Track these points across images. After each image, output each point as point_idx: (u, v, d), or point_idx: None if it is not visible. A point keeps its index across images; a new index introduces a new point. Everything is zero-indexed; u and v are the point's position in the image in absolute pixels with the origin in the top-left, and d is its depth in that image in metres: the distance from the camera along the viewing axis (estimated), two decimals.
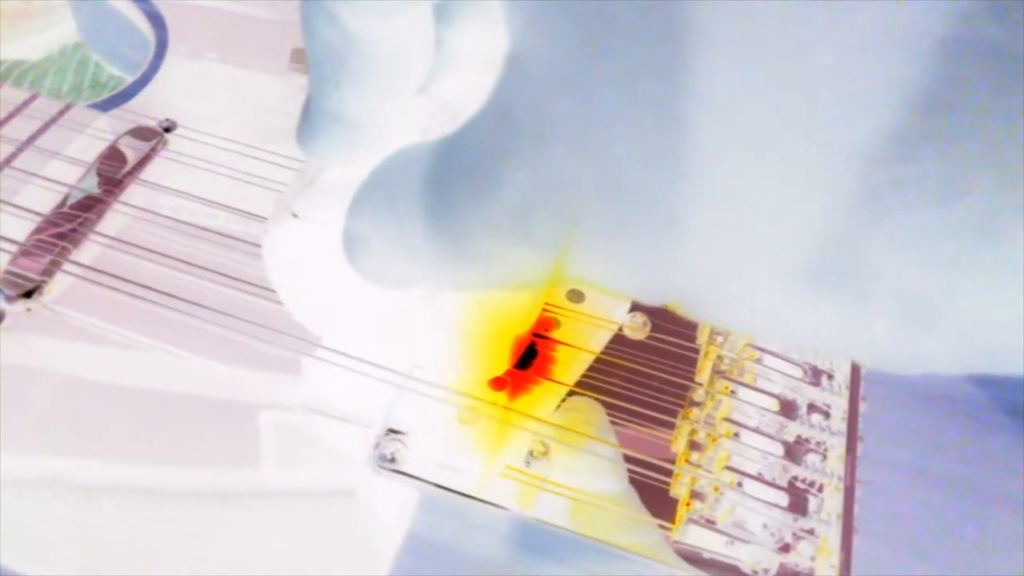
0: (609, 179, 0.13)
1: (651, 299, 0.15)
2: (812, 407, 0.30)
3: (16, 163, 0.36)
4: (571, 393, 0.30)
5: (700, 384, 0.30)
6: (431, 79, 0.22)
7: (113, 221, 0.34)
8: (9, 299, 0.31)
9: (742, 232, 0.12)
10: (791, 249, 0.12)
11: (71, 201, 0.35)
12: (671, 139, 0.12)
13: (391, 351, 0.30)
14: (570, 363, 0.31)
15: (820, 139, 0.11)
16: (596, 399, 0.30)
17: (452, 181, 0.15)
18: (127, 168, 0.36)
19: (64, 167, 0.36)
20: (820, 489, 0.28)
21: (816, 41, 0.11)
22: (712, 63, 0.11)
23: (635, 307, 0.33)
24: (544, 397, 0.30)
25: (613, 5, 0.12)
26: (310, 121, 0.19)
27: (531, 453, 0.28)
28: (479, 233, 0.15)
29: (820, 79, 0.11)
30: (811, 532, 0.27)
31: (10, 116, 0.38)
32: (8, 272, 0.32)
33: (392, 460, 0.28)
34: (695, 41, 0.11)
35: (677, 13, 0.11)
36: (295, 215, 0.25)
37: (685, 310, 0.15)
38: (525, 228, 0.14)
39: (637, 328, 0.32)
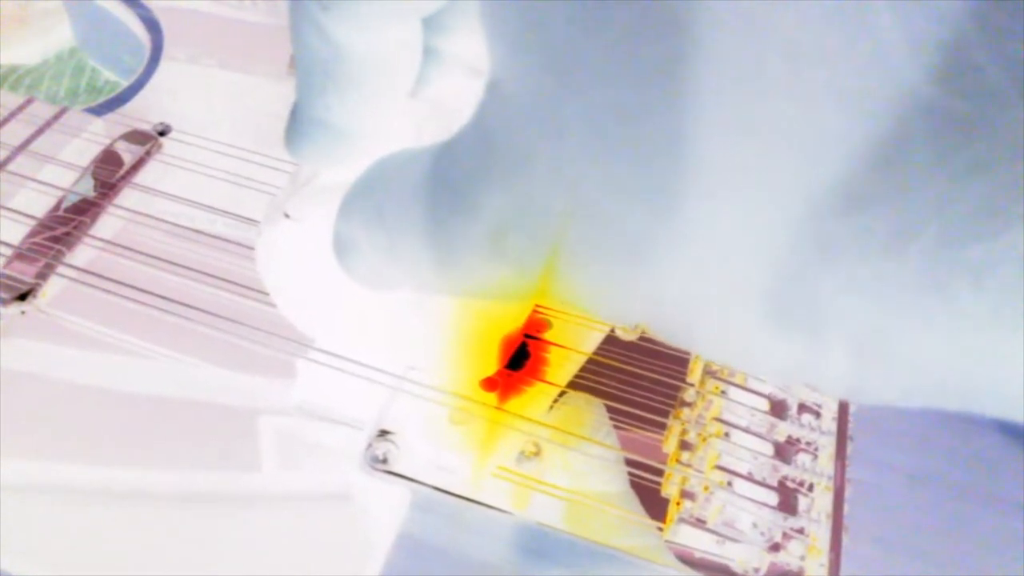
0: (582, 208, 0.13)
1: (623, 322, 0.15)
2: (802, 407, 0.30)
3: (11, 167, 0.36)
4: (564, 393, 0.30)
5: (691, 384, 0.30)
6: (422, 83, 0.22)
7: (107, 224, 0.35)
8: (3, 302, 0.31)
9: (707, 266, 0.13)
10: (752, 285, 0.13)
11: (66, 204, 0.35)
12: (639, 176, 0.13)
13: (383, 352, 0.30)
14: (562, 364, 0.31)
15: (776, 186, 0.12)
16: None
17: (435, 196, 0.15)
18: (122, 172, 0.36)
19: (59, 171, 0.36)
20: (810, 488, 0.28)
21: (771, 93, 0.11)
22: (675, 108, 0.12)
23: None
24: (536, 398, 0.30)
25: (583, 46, 0.12)
26: (297, 127, 0.19)
27: (522, 453, 0.28)
28: (460, 248, 0.15)
29: (775, 129, 0.11)
30: (801, 531, 0.27)
31: (5, 120, 0.38)
32: (2, 275, 0.32)
33: (384, 461, 0.28)
34: (659, 87, 0.12)
35: (642, 58, 0.12)
36: (287, 215, 0.25)
37: (657, 336, 0.15)
38: (501, 248, 0.15)
39: (629, 329, 0.32)
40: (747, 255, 0.12)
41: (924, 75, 0.10)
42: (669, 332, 0.15)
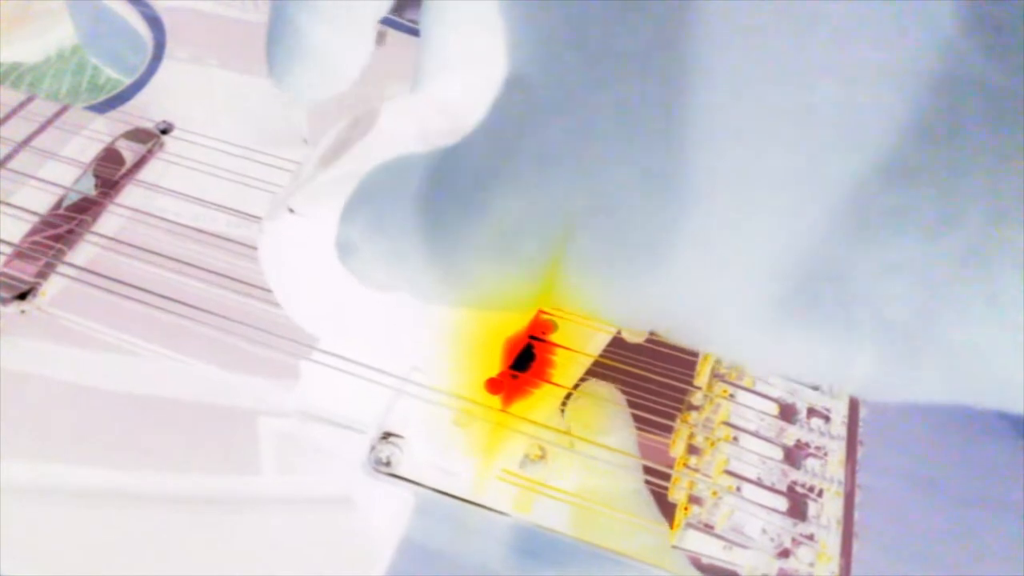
0: (603, 204, 0.13)
1: (637, 326, 0.15)
2: (812, 411, 0.30)
3: (12, 164, 0.36)
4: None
5: (699, 388, 0.30)
6: (427, 79, 0.22)
7: (109, 223, 0.34)
8: (3, 301, 0.31)
9: (732, 260, 0.13)
10: (779, 278, 0.13)
11: (67, 203, 0.35)
12: (667, 167, 0.12)
13: (388, 353, 0.30)
14: (568, 366, 0.31)
15: (816, 170, 0.11)
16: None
17: (441, 200, 0.15)
18: (123, 170, 0.36)
19: (60, 168, 0.36)
20: (820, 494, 0.27)
21: (819, 76, 0.11)
22: (713, 96, 0.12)
23: None
24: (542, 400, 0.30)
25: (618, 37, 0.12)
26: (269, 34, 0.19)
27: (527, 457, 0.28)
28: (465, 253, 0.15)
29: (820, 112, 0.11)
30: (810, 537, 0.26)
31: (7, 117, 0.38)
32: (2, 274, 0.32)
33: (388, 464, 0.28)
34: (698, 75, 0.12)
35: (681, 47, 0.12)
36: (291, 211, 0.25)
37: (672, 336, 0.15)
38: (511, 250, 0.15)
39: (636, 332, 0.32)
40: (777, 245, 0.12)
41: (980, 53, 0.10)
42: (688, 333, 0.14)
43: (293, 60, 0.19)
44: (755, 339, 0.13)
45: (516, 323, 0.28)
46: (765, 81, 0.11)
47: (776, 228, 0.12)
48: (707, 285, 0.13)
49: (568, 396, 0.30)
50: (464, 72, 0.21)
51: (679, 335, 0.15)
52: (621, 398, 0.30)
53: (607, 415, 0.29)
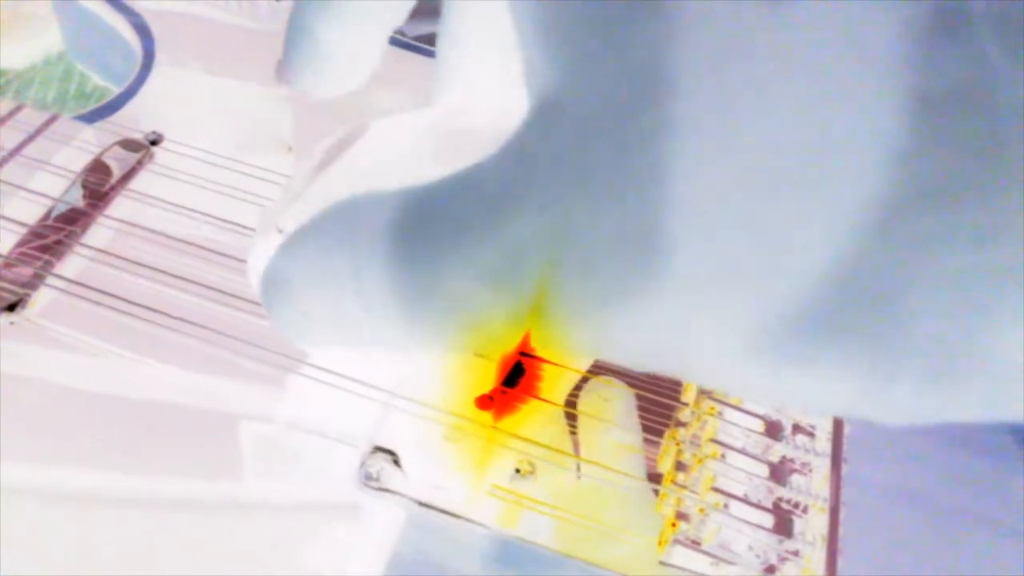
0: (629, 231, 0.13)
1: (645, 366, 0.14)
2: (797, 428, 0.30)
3: (0, 174, 0.36)
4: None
5: (686, 404, 0.30)
6: (438, 91, 0.22)
7: (98, 235, 0.34)
8: None
9: (756, 287, 0.12)
10: (811, 304, 0.12)
11: (55, 214, 0.34)
12: (709, 191, 0.12)
13: (378, 368, 0.30)
14: (557, 382, 0.31)
15: (860, 193, 0.12)
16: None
17: (436, 221, 0.14)
18: (112, 181, 0.36)
19: (49, 179, 0.36)
20: (805, 510, 0.28)
21: (859, 102, 0.11)
22: (761, 113, 0.12)
23: None
24: (532, 416, 0.30)
25: (667, 59, 0.12)
26: (287, 36, 0.20)
27: (517, 471, 0.28)
28: (455, 277, 0.14)
29: (862, 138, 0.11)
30: (796, 554, 0.27)
31: None
32: None
33: (377, 479, 0.28)
34: (746, 91, 0.12)
35: (728, 73, 0.12)
36: (280, 231, 0.25)
37: (687, 377, 0.14)
38: (508, 277, 0.14)
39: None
40: (807, 273, 0.12)
41: (1020, 79, 0.11)
42: (702, 373, 0.14)
43: (308, 63, 0.20)
44: (777, 373, 0.13)
45: (508, 341, 0.28)
46: (820, 107, 0.11)
47: (809, 252, 0.12)
48: (726, 315, 0.13)
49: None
50: (480, 84, 0.21)
51: (691, 375, 0.14)
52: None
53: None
